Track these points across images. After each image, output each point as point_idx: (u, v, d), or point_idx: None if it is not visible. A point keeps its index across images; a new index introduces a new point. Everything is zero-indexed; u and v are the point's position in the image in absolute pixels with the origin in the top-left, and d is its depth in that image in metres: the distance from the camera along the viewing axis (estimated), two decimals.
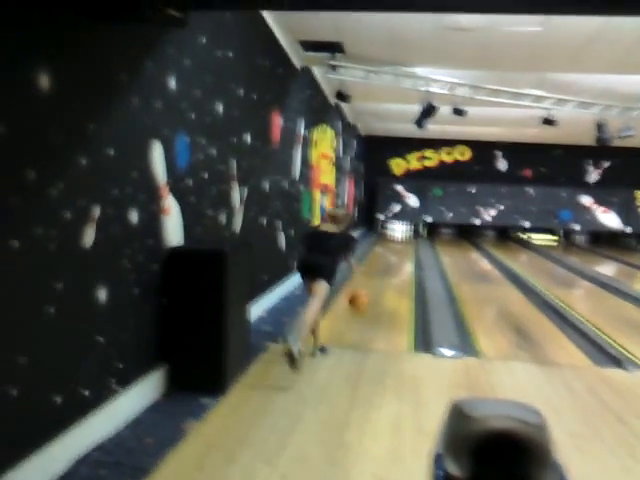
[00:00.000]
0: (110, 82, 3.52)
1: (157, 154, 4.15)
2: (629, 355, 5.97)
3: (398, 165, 22.43)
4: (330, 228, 5.52)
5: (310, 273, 5.36)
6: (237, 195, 6.18)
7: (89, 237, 3.31)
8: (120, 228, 3.66)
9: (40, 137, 2.89)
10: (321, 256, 5.34)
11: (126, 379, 3.83)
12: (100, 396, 3.53)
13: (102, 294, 3.49)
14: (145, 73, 3.95)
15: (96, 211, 3.36)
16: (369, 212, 21.89)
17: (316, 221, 11.02)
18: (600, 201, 21.21)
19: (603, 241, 21.10)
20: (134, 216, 3.83)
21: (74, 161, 3.17)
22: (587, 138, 13.66)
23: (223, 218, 5.74)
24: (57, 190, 3.01)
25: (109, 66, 3.50)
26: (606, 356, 5.92)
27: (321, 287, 5.28)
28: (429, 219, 21.67)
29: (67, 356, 3.19)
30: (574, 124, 13.45)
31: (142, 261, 3.98)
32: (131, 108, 3.77)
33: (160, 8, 3.26)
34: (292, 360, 4.57)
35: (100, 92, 3.42)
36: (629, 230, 21.15)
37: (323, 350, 5.50)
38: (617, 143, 12.89)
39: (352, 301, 5.55)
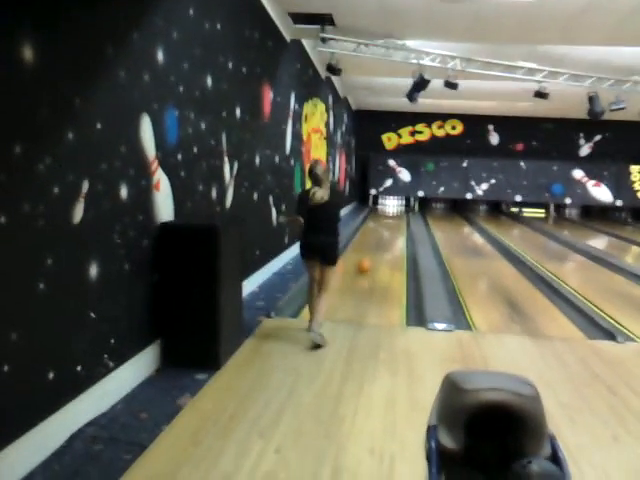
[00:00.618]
0: (96, 54, 3.45)
1: (146, 128, 4.09)
2: (620, 327, 6.01)
3: (390, 139, 22.33)
4: (324, 194, 5.07)
5: (318, 256, 5.19)
6: (228, 170, 6.13)
7: (78, 213, 3.27)
8: (110, 203, 3.62)
9: (25, 111, 2.83)
10: (328, 237, 5.15)
11: (119, 355, 3.82)
12: (93, 372, 3.52)
13: (93, 270, 3.46)
14: (132, 45, 3.87)
15: (85, 186, 3.32)
16: (361, 187, 21.84)
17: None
18: (591, 175, 21.25)
19: (594, 215, 21.19)
20: (124, 191, 3.78)
21: (61, 135, 3.11)
22: (579, 111, 13.62)
23: (214, 193, 5.69)
24: (44, 165, 2.96)
25: (95, 38, 3.42)
26: (598, 328, 5.96)
27: (333, 274, 5.28)
28: (421, 193, 21.65)
29: (59, 332, 3.17)
30: (566, 97, 13.40)
31: (133, 237, 3.94)
32: (118, 81, 3.70)
33: None
34: (319, 346, 4.96)
35: (86, 64, 3.35)
36: (620, 204, 21.22)
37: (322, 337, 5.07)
38: (608, 116, 12.86)
39: (359, 270, 7.84)
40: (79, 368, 3.36)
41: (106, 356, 3.66)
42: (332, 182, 5.43)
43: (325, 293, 5.25)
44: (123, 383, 3.87)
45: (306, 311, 5.56)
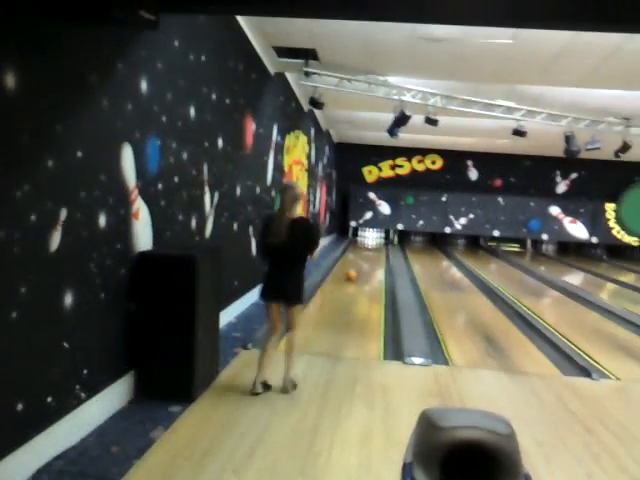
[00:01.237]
0: (80, 83, 3.46)
1: (127, 157, 4.08)
2: (595, 364, 6.05)
3: (370, 172, 22.53)
4: (289, 220, 4.54)
5: (281, 298, 4.69)
6: (208, 200, 6.13)
7: (55, 240, 3.23)
8: (87, 232, 3.59)
9: (5, 137, 2.82)
10: (291, 273, 4.63)
11: (92, 386, 3.75)
12: (65, 403, 3.45)
13: (68, 299, 3.41)
14: (116, 75, 3.89)
15: (63, 214, 3.29)
16: (341, 219, 21.94)
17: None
18: (568, 211, 21.59)
19: (570, 251, 21.47)
20: (102, 220, 3.76)
21: (41, 162, 3.10)
22: (556, 150, 13.90)
23: (193, 223, 5.68)
24: (22, 192, 2.93)
25: (79, 67, 3.44)
26: (573, 365, 5.99)
27: (297, 314, 4.76)
28: (401, 226, 21.80)
29: (30, 362, 3.11)
30: (543, 136, 13.69)
31: (110, 265, 3.91)
32: (101, 110, 3.70)
33: (131, 9, 3.21)
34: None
35: (69, 93, 3.35)
36: (595, 240, 21.55)
37: (267, 387, 4.67)
38: (584, 155, 13.14)
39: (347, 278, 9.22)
40: (49, 399, 3.28)
41: (78, 387, 3.59)
42: (302, 217, 4.81)
43: (294, 334, 4.78)
44: (95, 415, 3.79)
45: (281, 344, 4.91)
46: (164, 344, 4.29)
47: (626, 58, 7.54)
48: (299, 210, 4.72)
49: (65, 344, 3.41)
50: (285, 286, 4.64)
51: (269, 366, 4.69)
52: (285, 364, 4.74)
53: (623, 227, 21.37)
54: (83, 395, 3.64)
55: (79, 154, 3.44)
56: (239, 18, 6.87)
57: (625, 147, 12.68)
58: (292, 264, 4.64)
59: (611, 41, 6.95)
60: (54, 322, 3.30)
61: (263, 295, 4.75)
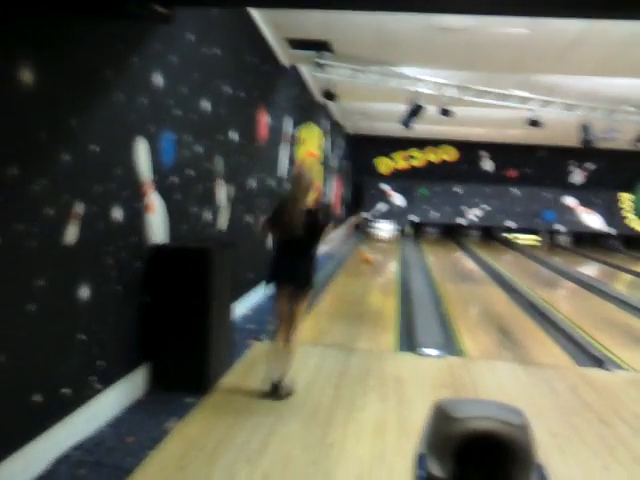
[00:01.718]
0: (95, 78, 3.49)
1: (142, 151, 4.11)
2: (610, 355, 6.02)
3: (385, 164, 22.46)
4: (306, 210, 4.41)
5: (289, 284, 4.49)
6: (223, 193, 6.15)
7: (72, 234, 3.27)
8: (103, 225, 3.63)
9: (23, 133, 2.85)
10: (304, 260, 4.48)
11: (108, 377, 3.80)
12: (81, 395, 3.50)
13: (85, 292, 3.45)
14: (131, 69, 3.91)
15: (79, 208, 3.33)
16: (356, 211, 21.91)
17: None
18: (584, 202, 21.40)
19: (586, 242, 21.30)
20: (118, 213, 3.79)
21: (57, 157, 3.13)
22: (572, 140, 13.76)
23: (209, 216, 5.70)
24: (40, 186, 2.97)
25: (94, 61, 3.46)
26: (588, 356, 5.97)
27: (303, 306, 4.56)
28: (415, 218, 21.73)
29: (48, 354, 3.16)
30: (559, 126, 13.54)
31: (125, 259, 3.94)
32: (116, 104, 3.73)
33: (146, 4, 3.23)
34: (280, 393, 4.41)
35: (84, 88, 3.38)
36: (612, 231, 21.36)
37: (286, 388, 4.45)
38: (601, 145, 13.01)
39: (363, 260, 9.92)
40: (66, 390, 3.33)
41: (94, 378, 3.64)
42: (316, 209, 4.49)
43: (296, 329, 4.54)
44: (110, 406, 3.84)
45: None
46: (179, 336, 4.33)
47: None
48: (312, 198, 4.53)
49: (81, 336, 3.45)
50: (298, 271, 4.46)
51: (280, 362, 4.47)
52: (281, 366, 4.43)
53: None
54: (99, 386, 3.69)
55: (95, 148, 3.47)
56: (252, 11, 6.86)
57: None
58: (305, 252, 4.50)
59: (627, 29, 6.86)
60: (70, 314, 3.34)
61: (273, 279, 4.52)
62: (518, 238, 21.68)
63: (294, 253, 4.46)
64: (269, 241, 4.73)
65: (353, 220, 4.96)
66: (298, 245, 4.44)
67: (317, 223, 4.46)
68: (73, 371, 3.39)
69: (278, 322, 4.59)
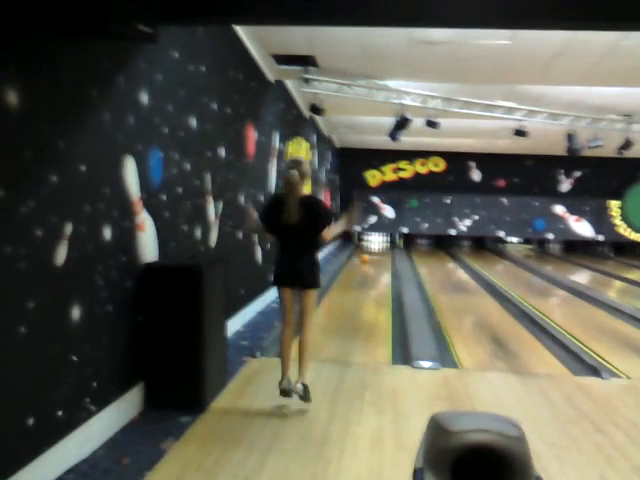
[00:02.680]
0: (81, 98, 3.48)
1: (130, 169, 4.10)
2: (605, 363, 6.03)
3: (373, 177, 22.54)
4: (298, 199, 4.35)
5: (296, 281, 4.45)
6: (212, 209, 6.14)
7: (61, 255, 3.25)
8: (93, 245, 3.61)
9: (9, 154, 2.84)
10: (304, 255, 4.40)
11: (102, 398, 3.76)
12: (75, 417, 3.45)
13: (75, 312, 3.42)
14: (116, 88, 3.92)
15: (68, 228, 3.31)
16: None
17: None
18: (572, 210, 21.54)
19: (576, 250, 21.40)
20: (107, 232, 3.77)
21: (44, 178, 3.12)
22: (558, 148, 13.88)
23: (198, 233, 5.69)
24: (27, 208, 2.95)
25: (79, 82, 3.46)
26: (583, 364, 5.97)
27: (312, 302, 4.49)
28: (405, 230, 21.78)
29: (40, 376, 3.12)
30: (545, 135, 13.67)
31: (116, 278, 3.92)
32: (103, 124, 3.73)
33: (129, 23, 3.23)
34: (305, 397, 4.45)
35: (70, 108, 3.37)
36: (601, 238, 21.48)
37: (306, 391, 4.46)
38: (587, 153, 13.13)
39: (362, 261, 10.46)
40: (60, 413, 3.29)
41: (88, 400, 3.60)
42: (310, 195, 4.46)
43: (308, 326, 4.52)
44: (105, 427, 3.79)
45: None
46: (172, 355, 4.30)
47: (624, 55, 7.54)
48: (306, 189, 4.44)
49: (74, 357, 3.42)
50: (300, 269, 4.40)
51: (291, 365, 4.48)
52: (299, 369, 4.49)
53: (629, 224, 21.30)
54: (93, 408, 3.65)
55: (82, 168, 3.46)
56: (237, 28, 6.90)
57: (627, 144, 12.67)
58: (305, 246, 4.41)
59: (609, 39, 6.95)
60: (62, 336, 3.31)
61: (276, 280, 4.51)
62: (512, 248, 21.85)
63: (294, 251, 4.43)
64: (267, 243, 4.61)
65: (343, 223, 4.83)
66: (298, 241, 4.40)
67: (313, 211, 4.36)
68: (66, 393, 3.35)
69: (283, 325, 4.60)
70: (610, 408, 4.75)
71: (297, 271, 4.42)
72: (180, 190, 5.13)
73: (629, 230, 21.32)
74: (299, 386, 4.42)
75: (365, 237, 22.12)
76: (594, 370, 5.70)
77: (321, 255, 11.20)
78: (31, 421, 3.03)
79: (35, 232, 3.02)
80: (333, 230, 4.51)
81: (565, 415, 4.57)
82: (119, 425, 3.97)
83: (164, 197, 4.76)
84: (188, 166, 5.33)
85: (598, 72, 8.39)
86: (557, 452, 3.82)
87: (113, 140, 3.88)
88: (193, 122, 5.45)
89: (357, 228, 21.73)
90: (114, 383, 3.96)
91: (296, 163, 4.50)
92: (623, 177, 20.99)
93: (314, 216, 4.36)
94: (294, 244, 4.43)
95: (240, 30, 7.03)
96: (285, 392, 4.44)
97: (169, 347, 4.30)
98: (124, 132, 4.02)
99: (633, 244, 21.41)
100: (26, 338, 2.96)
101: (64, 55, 3.29)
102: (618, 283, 13.78)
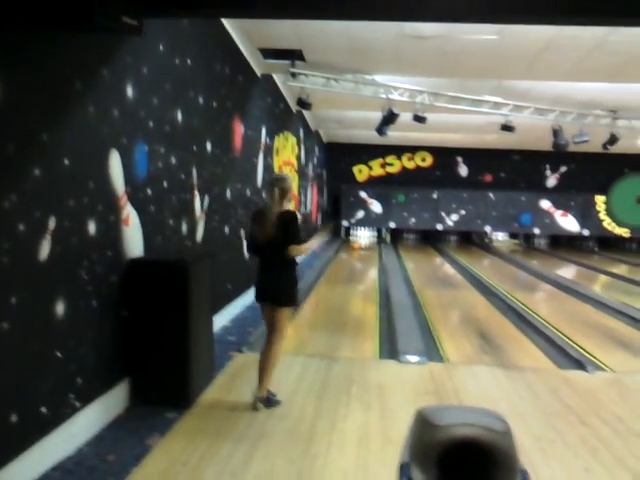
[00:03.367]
0: (65, 90, 3.44)
1: (115, 163, 4.06)
2: (590, 357, 6.07)
3: (361, 172, 22.54)
4: (276, 214, 4.33)
5: (267, 298, 4.44)
6: (198, 204, 6.11)
7: (45, 249, 3.21)
8: (77, 240, 3.57)
9: None
10: (279, 272, 4.37)
11: (87, 395, 3.73)
12: (59, 413, 3.42)
13: (59, 308, 3.39)
14: (101, 81, 3.87)
15: (52, 222, 3.27)
16: (333, 219, 21.93)
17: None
18: (559, 205, 21.67)
19: (562, 244, 21.55)
20: (92, 227, 3.73)
21: (27, 172, 3.07)
22: (545, 143, 13.95)
23: (184, 228, 5.66)
24: (9, 202, 2.91)
25: (64, 74, 3.42)
26: (568, 358, 6.01)
27: (284, 319, 4.42)
28: (393, 225, 21.81)
29: (23, 373, 3.09)
30: (531, 130, 13.73)
31: (101, 273, 3.89)
32: (87, 117, 3.68)
33: (114, 16, 3.19)
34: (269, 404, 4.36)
35: (55, 101, 3.33)
36: (587, 233, 21.64)
37: (269, 401, 4.37)
38: (573, 148, 13.20)
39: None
40: (44, 409, 3.26)
41: (72, 396, 3.57)
42: (288, 210, 4.47)
43: (275, 343, 4.41)
44: (90, 424, 3.76)
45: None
46: (158, 350, 4.27)
47: (610, 51, 7.58)
48: (291, 204, 4.44)
49: (58, 353, 3.39)
50: (272, 286, 4.38)
51: (269, 375, 4.38)
52: (259, 381, 4.35)
53: (613, 219, 21.47)
54: (78, 404, 3.62)
55: (66, 162, 3.42)
56: (224, 21, 6.85)
57: (613, 139, 12.74)
58: (280, 262, 4.36)
59: (595, 34, 6.98)
60: (46, 331, 3.28)
61: (255, 295, 4.55)
62: (499, 241, 21.99)
63: (270, 267, 4.41)
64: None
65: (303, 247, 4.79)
66: (274, 255, 4.35)
67: (285, 228, 4.31)
68: (50, 389, 3.32)
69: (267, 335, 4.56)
70: (595, 401, 4.79)
71: (271, 287, 4.40)
72: (166, 184, 5.10)
73: (613, 225, 21.49)
74: (259, 404, 4.30)
75: (353, 232, 22.13)
76: (579, 364, 5.74)
77: (308, 250, 11.23)
78: (14, 418, 3.00)
79: (18, 227, 2.98)
80: (293, 250, 4.36)
81: (550, 408, 4.60)
82: (104, 421, 3.94)
83: (149, 191, 4.72)
84: (174, 160, 5.29)
85: (584, 67, 8.43)
86: (542, 445, 3.85)
87: (98, 133, 3.83)
88: (179, 116, 5.41)
89: (345, 223, 21.74)
90: (99, 379, 3.92)
91: (277, 180, 4.50)
92: (609, 172, 21.15)
93: (285, 232, 4.32)
94: (270, 260, 4.40)
95: (227, 23, 6.98)
96: (254, 405, 4.33)
97: (155, 343, 4.27)
98: (109, 125, 3.98)
99: (618, 239, 21.60)
100: (9, 334, 2.93)
101: (48, 48, 3.24)
102: (603, 277, 13.89)
